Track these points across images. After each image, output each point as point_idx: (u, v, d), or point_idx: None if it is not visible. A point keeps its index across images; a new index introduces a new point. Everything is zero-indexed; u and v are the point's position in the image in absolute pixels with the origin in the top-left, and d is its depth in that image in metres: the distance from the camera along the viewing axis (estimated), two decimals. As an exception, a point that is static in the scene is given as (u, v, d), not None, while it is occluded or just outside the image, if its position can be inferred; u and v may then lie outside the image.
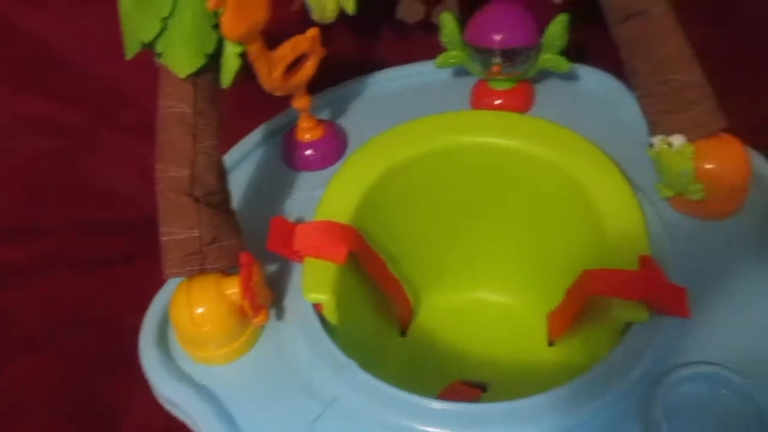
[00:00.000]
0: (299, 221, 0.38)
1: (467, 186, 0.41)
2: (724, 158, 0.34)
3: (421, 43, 0.49)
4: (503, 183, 0.40)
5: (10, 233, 0.51)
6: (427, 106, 0.43)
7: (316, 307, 0.34)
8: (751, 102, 0.45)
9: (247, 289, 0.31)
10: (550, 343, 0.41)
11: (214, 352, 0.33)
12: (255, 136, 0.44)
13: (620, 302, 0.31)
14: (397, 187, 0.39)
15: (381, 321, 0.41)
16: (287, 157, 0.43)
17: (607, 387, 0.29)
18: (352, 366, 0.31)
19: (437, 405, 0.29)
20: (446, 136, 0.39)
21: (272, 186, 0.41)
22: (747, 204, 0.36)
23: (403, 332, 0.44)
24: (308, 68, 0.39)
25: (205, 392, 0.32)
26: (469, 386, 0.40)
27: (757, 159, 0.37)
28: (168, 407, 0.33)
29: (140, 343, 0.34)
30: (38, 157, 0.50)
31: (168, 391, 0.32)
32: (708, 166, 0.34)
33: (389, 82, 0.47)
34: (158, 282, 0.36)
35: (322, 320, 0.34)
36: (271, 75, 0.37)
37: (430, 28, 0.47)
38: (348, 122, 0.45)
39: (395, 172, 0.39)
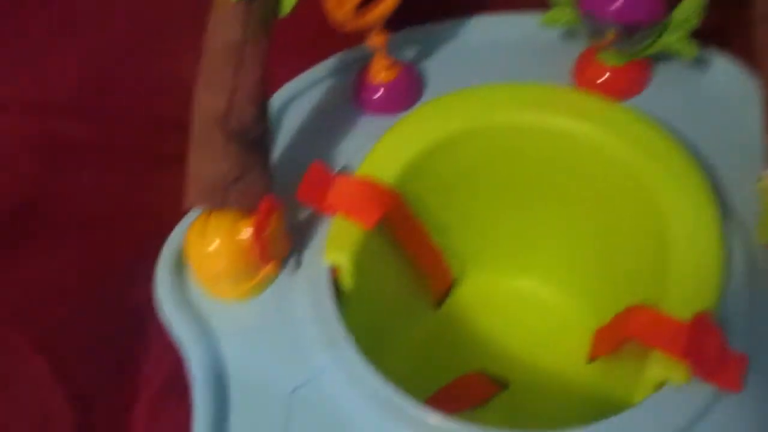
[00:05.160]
0: (345, 170, 0.36)
1: (527, 167, 0.37)
2: None
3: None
4: (566, 171, 0.36)
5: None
6: (520, 68, 0.38)
7: (333, 269, 0.32)
8: None
9: (258, 237, 0.30)
10: (591, 359, 0.37)
11: (221, 287, 0.32)
12: (320, 70, 0.41)
13: (658, 355, 0.27)
14: (452, 157, 0.35)
15: (412, 290, 0.39)
16: (356, 98, 0.40)
17: None
18: (348, 342, 0.29)
19: (432, 419, 0.27)
20: (513, 111, 0.35)
21: (331, 126, 0.39)
22: None
23: (439, 304, 0.41)
24: (388, 4, 0.35)
25: (202, 323, 0.32)
26: (491, 380, 0.38)
27: None
28: (166, 327, 0.33)
29: (158, 264, 0.34)
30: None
31: (169, 312, 0.32)
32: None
33: (484, 31, 0.41)
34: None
35: (338, 282, 0.32)
36: (342, 8, 0.33)
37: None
38: (428, 68, 0.40)
39: (451, 141, 0.35)
